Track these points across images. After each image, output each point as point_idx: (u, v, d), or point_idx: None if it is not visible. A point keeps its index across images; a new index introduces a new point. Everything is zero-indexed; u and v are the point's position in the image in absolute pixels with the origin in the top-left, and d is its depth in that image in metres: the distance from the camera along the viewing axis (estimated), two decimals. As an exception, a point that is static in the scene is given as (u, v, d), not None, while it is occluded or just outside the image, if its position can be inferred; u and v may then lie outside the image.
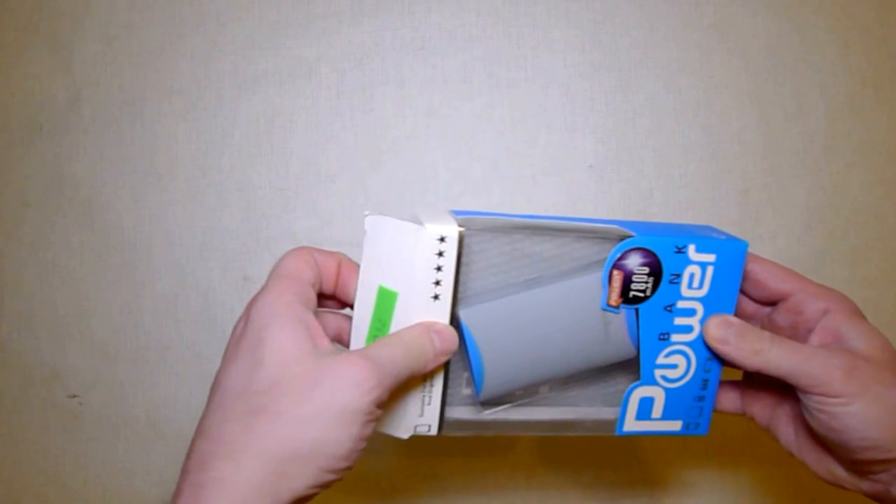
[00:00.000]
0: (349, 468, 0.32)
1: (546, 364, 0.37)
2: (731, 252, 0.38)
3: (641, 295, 0.37)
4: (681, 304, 0.38)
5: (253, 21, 0.57)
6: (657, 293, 0.37)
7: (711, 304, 0.38)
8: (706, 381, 0.39)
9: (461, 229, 0.34)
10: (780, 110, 0.56)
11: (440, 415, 0.37)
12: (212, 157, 0.57)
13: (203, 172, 0.57)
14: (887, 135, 0.56)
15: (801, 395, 0.37)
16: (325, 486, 0.32)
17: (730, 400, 0.43)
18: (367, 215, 0.35)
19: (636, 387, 0.38)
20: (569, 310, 0.36)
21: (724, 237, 0.39)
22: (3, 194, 0.58)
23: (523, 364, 0.37)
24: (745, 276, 0.39)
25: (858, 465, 0.38)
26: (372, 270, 0.35)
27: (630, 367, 0.39)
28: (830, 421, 0.36)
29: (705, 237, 0.38)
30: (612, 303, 0.37)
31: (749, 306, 0.42)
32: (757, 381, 0.42)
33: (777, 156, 0.56)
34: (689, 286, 0.37)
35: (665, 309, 0.38)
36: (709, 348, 0.39)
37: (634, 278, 0.37)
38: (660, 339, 0.38)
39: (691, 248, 0.37)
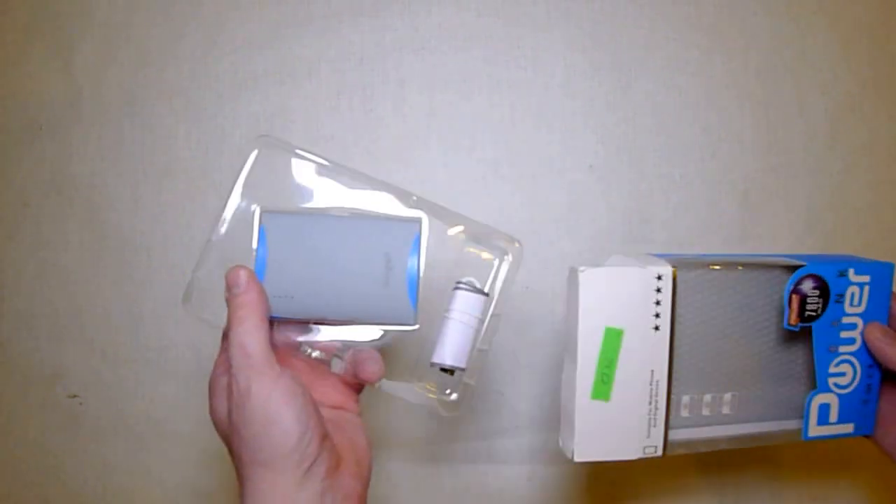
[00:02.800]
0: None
1: (325, 288, 0.40)
2: (882, 272, 0.45)
3: (814, 314, 0.43)
4: (844, 320, 0.44)
5: (253, 21, 0.57)
6: (826, 312, 0.44)
7: (868, 318, 0.45)
8: (869, 385, 0.45)
9: (674, 268, 0.41)
10: (780, 110, 0.56)
11: (664, 435, 0.42)
12: (212, 157, 0.57)
13: (203, 172, 0.57)
14: (888, 135, 0.56)
15: None
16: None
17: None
18: (582, 271, 0.40)
19: (815, 394, 0.44)
20: (359, 245, 0.40)
21: (871, 261, 0.45)
22: (3, 194, 0.58)
23: (303, 278, 0.40)
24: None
25: None
26: (593, 316, 0.40)
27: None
28: None
29: (860, 261, 0.45)
30: (792, 322, 0.43)
31: None
32: (887, 413, 0.46)
33: (777, 156, 0.56)
34: (851, 304, 0.44)
35: (832, 325, 0.44)
36: (870, 353, 0.44)
37: (809, 300, 0.43)
38: (829, 350, 0.44)
39: (851, 272, 0.44)
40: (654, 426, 0.41)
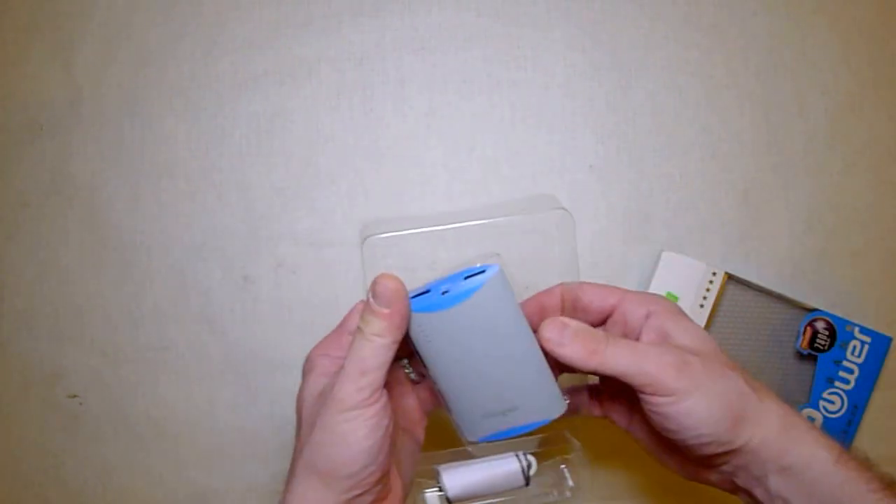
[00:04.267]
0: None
1: (459, 362, 0.39)
2: (881, 341, 0.54)
3: (821, 348, 0.54)
4: (845, 363, 0.54)
5: (253, 21, 0.57)
6: (831, 350, 0.54)
7: (864, 368, 0.54)
8: (850, 420, 0.54)
9: (726, 273, 0.54)
10: (781, 110, 0.56)
11: None
12: (212, 157, 0.57)
13: (203, 172, 0.57)
14: (888, 135, 0.56)
15: (640, 397, 0.37)
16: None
17: (594, 405, 0.44)
18: (663, 251, 0.54)
19: (805, 406, 0.54)
20: (514, 372, 0.39)
21: (873, 331, 0.54)
22: (3, 194, 0.58)
23: (457, 336, 0.38)
24: (574, 305, 0.42)
25: (702, 459, 0.38)
26: (662, 282, 0.54)
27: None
28: (665, 422, 0.37)
29: (866, 328, 0.54)
30: (803, 346, 0.54)
31: None
32: (612, 385, 0.42)
33: (777, 156, 0.56)
34: (852, 353, 0.54)
35: (834, 362, 0.54)
36: (545, 352, 0.39)
37: (818, 336, 0.54)
38: (828, 381, 0.54)
39: (856, 330, 0.54)
40: None
